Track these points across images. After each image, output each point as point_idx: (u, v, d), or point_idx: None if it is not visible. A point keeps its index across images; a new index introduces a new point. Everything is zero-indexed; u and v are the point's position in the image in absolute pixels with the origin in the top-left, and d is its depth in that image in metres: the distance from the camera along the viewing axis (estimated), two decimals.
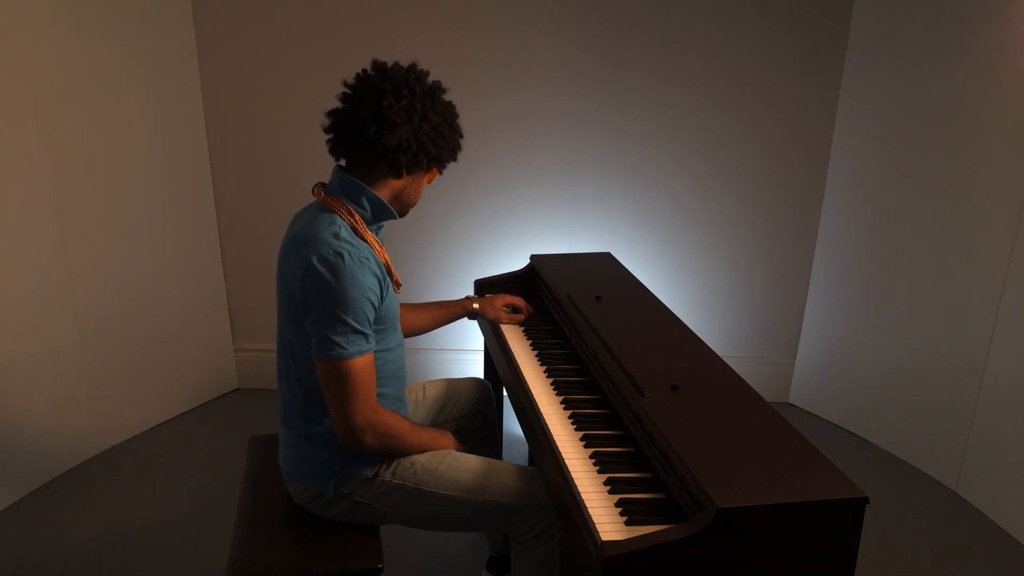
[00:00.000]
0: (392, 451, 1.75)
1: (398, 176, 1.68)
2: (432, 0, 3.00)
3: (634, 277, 2.48)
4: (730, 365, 1.85)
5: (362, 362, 1.61)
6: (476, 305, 2.30)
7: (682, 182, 3.22)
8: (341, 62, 3.06)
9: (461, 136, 1.76)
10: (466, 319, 2.34)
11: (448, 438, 1.87)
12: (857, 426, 3.24)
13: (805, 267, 3.31)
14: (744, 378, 1.78)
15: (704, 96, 3.11)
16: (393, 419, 1.71)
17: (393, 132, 1.61)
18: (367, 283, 1.59)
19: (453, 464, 1.79)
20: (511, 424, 3.20)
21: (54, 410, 2.73)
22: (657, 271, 3.34)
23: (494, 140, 3.16)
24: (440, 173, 1.79)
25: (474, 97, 3.09)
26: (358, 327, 1.59)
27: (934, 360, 2.86)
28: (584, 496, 1.50)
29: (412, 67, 1.69)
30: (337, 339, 1.57)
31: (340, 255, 1.56)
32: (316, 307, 1.57)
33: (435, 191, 3.18)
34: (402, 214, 1.77)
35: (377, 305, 1.64)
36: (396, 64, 1.68)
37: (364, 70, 1.68)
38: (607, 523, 1.42)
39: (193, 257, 3.18)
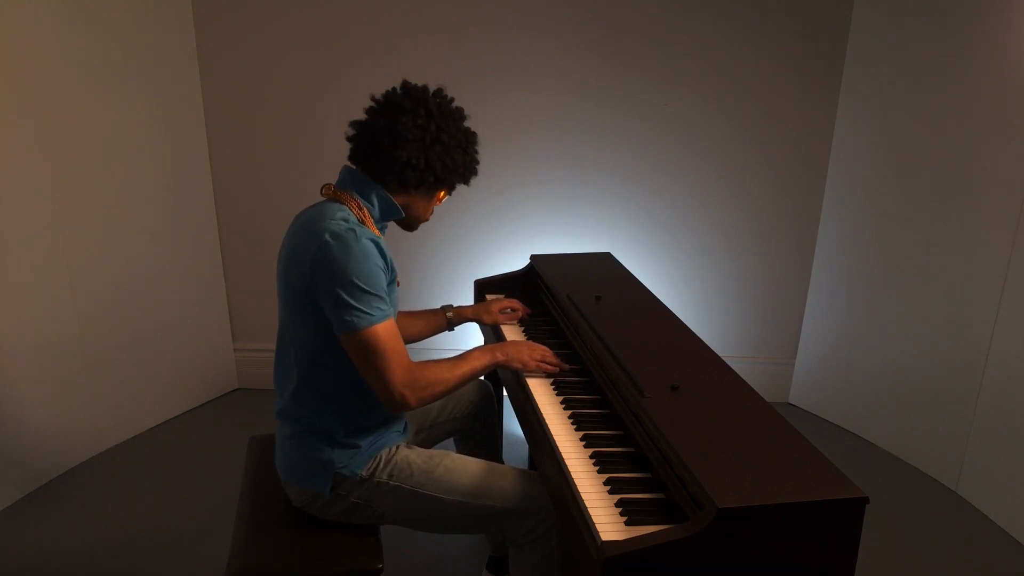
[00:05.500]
0: (440, 398, 1.75)
1: (404, 190, 1.74)
2: (432, 1, 3.00)
3: (634, 277, 2.48)
4: (730, 365, 1.85)
5: (385, 327, 1.62)
6: (450, 314, 2.25)
7: (682, 182, 3.22)
8: (341, 62, 3.06)
9: (475, 162, 1.80)
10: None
11: (487, 353, 1.87)
12: (857, 426, 3.24)
13: (805, 267, 3.31)
14: (744, 378, 1.78)
15: (704, 96, 3.11)
16: (428, 370, 1.71)
17: (403, 147, 1.67)
18: (377, 260, 1.62)
19: (451, 467, 1.79)
20: (511, 424, 3.20)
21: (54, 410, 2.73)
22: (657, 271, 3.34)
23: (494, 140, 3.16)
24: (448, 194, 1.83)
25: (474, 97, 3.08)
26: (376, 292, 1.61)
27: (934, 360, 2.86)
28: (584, 496, 1.50)
29: (438, 91, 1.75)
30: (359, 305, 1.59)
31: (352, 230, 1.61)
32: (332, 279, 1.59)
33: None
34: (410, 228, 1.84)
35: (387, 282, 1.66)
36: (424, 86, 1.74)
37: (393, 88, 1.74)
38: (607, 523, 1.41)
39: (193, 257, 3.18)
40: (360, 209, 1.69)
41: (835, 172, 3.15)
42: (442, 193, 1.81)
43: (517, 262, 3.28)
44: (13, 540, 2.44)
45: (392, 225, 1.85)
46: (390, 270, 1.68)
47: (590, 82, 3.10)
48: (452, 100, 1.76)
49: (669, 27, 3.03)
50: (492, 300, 2.37)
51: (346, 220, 1.63)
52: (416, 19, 3.02)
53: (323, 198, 1.76)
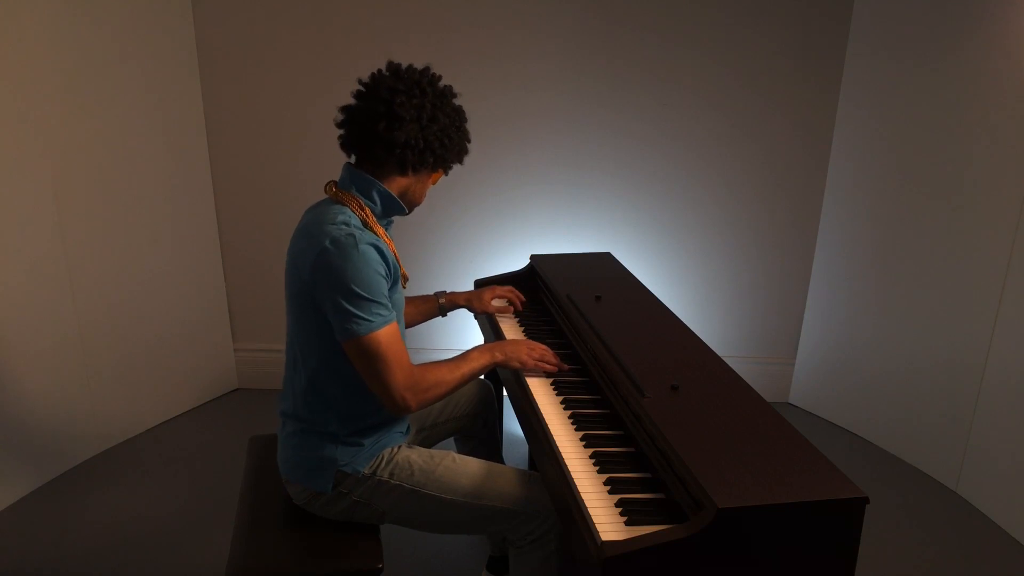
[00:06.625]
0: (440, 399, 1.76)
1: (404, 173, 1.73)
2: (432, 1, 3.00)
3: (634, 277, 2.48)
4: (730, 365, 1.85)
5: (387, 332, 1.62)
6: (443, 300, 2.26)
7: (682, 182, 3.22)
8: (341, 62, 3.06)
9: (468, 140, 1.80)
10: (467, 312, 2.33)
11: (486, 353, 1.87)
12: (857, 426, 3.24)
13: (805, 267, 3.31)
14: (744, 378, 1.79)
15: (704, 96, 3.11)
16: (429, 373, 1.71)
17: (402, 128, 1.65)
18: (377, 265, 1.62)
19: (451, 467, 1.79)
20: (511, 424, 3.20)
21: (54, 410, 2.73)
22: (657, 271, 3.34)
23: (494, 140, 3.16)
24: (445, 174, 1.82)
25: (474, 97, 3.08)
26: (376, 299, 1.60)
27: (934, 360, 2.86)
28: (584, 496, 1.50)
29: (426, 70, 1.74)
30: (360, 312, 1.59)
31: (352, 235, 1.60)
32: (332, 287, 1.59)
33: (436, 190, 3.18)
34: (406, 213, 1.81)
35: (388, 287, 1.66)
36: (410, 66, 1.73)
37: (379, 70, 1.72)
38: (607, 523, 1.42)
39: (193, 257, 3.18)
40: (362, 208, 1.69)
41: (835, 172, 3.15)
42: (438, 174, 1.80)
43: (517, 262, 3.28)
44: (14, 539, 2.44)
45: None
46: (392, 273, 1.67)
47: (589, 82, 3.10)
48: (440, 78, 1.75)
49: (669, 27, 3.03)
50: (485, 288, 2.37)
51: (347, 224, 1.62)
52: (416, 19, 3.02)
53: (326, 195, 1.76)
